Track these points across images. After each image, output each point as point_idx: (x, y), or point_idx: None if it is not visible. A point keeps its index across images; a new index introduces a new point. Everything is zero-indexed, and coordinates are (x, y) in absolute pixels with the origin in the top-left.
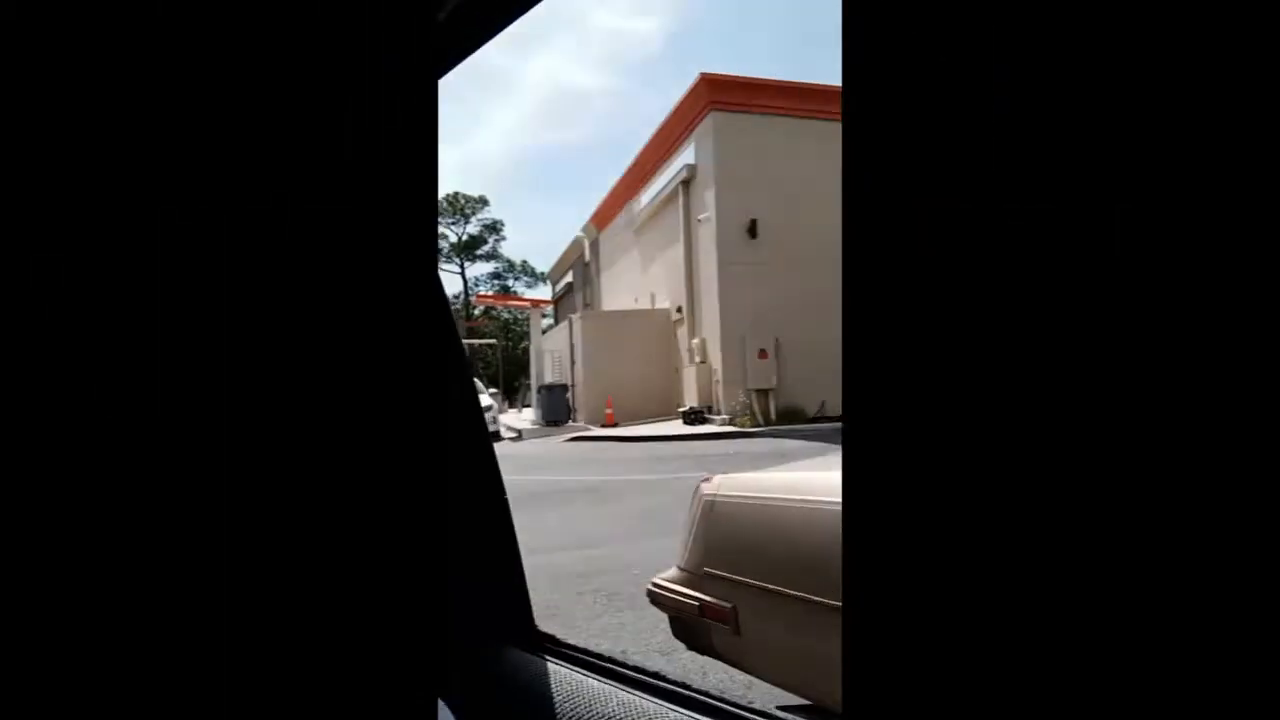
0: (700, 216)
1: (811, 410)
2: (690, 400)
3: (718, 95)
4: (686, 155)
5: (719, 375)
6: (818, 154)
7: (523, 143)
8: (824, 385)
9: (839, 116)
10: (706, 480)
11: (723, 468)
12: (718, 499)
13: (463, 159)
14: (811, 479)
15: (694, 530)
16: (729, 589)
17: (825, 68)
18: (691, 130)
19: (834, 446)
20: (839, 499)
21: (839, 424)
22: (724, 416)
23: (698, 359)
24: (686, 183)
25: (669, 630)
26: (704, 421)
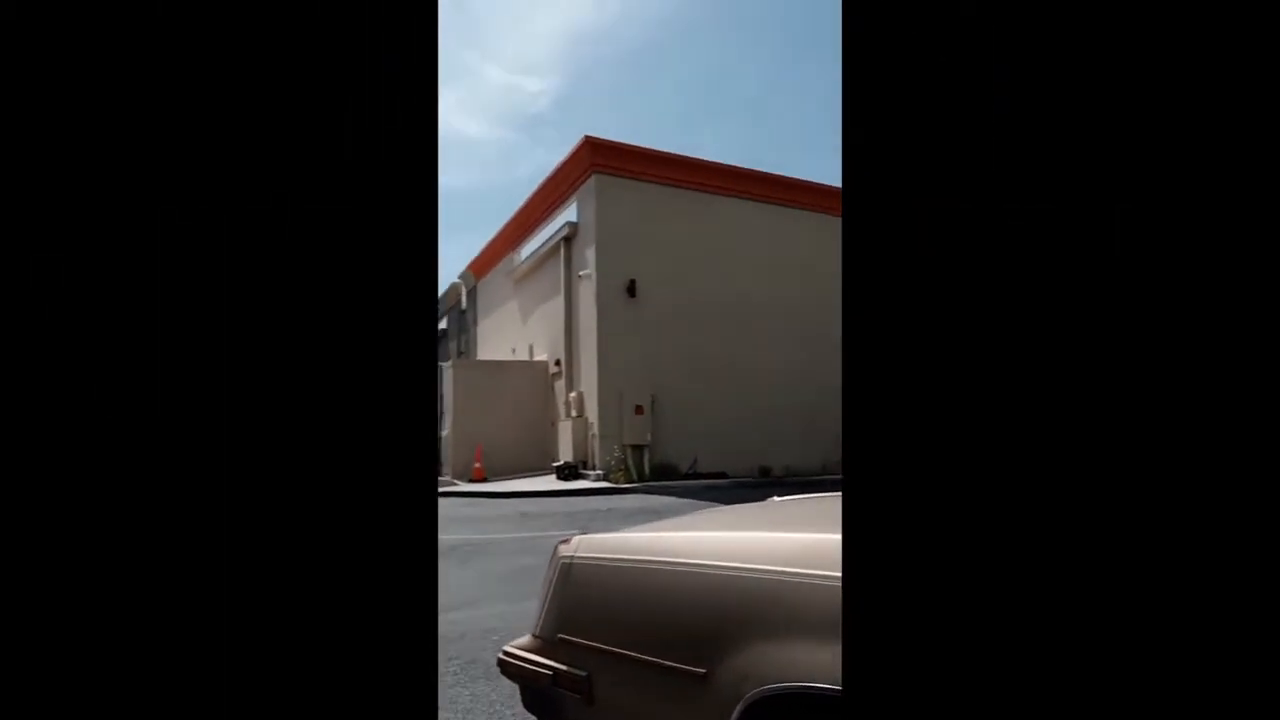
0: (581, 273)
1: (684, 467)
2: (565, 454)
3: (600, 158)
4: (569, 213)
5: (595, 430)
6: (695, 222)
7: None
8: (697, 442)
9: (715, 189)
10: (564, 542)
11: (594, 525)
12: (575, 561)
13: None
14: (672, 539)
15: (550, 594)
16: (584, 656)
17: (705, 145)
18: (575, 189)
19: (704, 504)
20: (699, 560)
21: (712, 480)
22: (598, 472)
23: (574, 413)
24: (568, 239)
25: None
26: (578, 477)
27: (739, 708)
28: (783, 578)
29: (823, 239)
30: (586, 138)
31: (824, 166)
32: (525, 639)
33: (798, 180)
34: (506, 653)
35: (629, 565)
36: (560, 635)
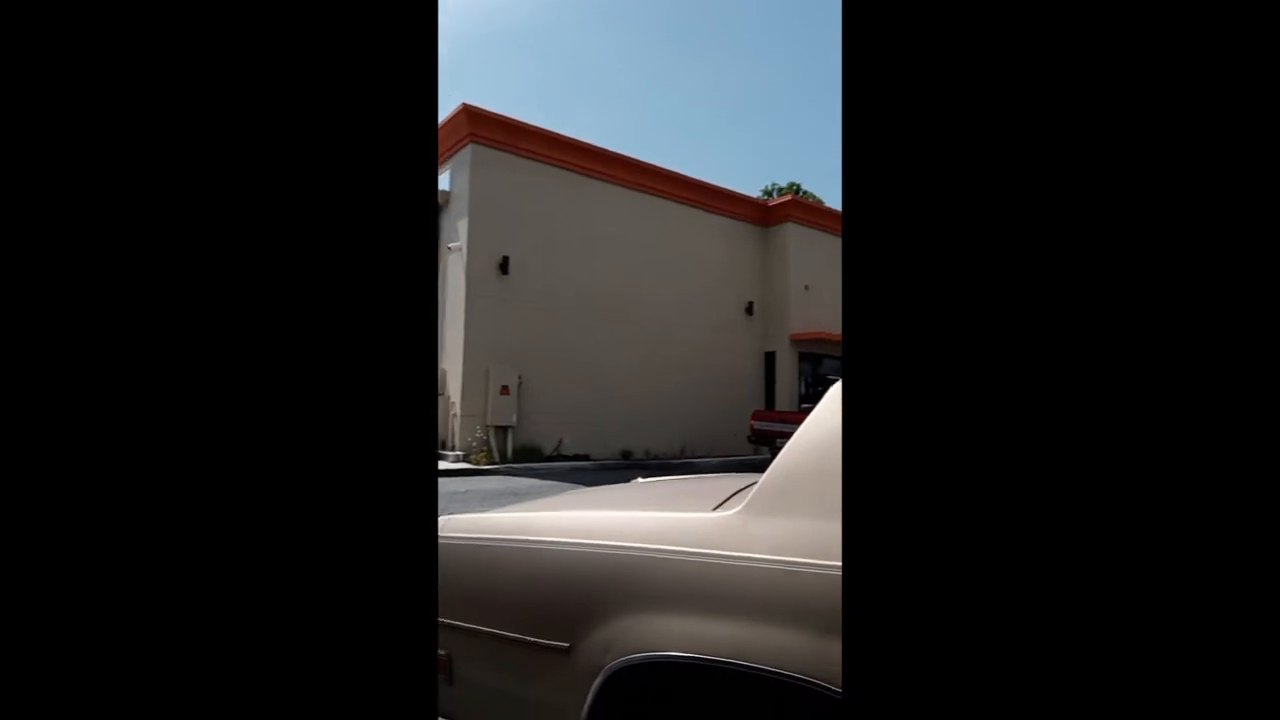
0: (451, 245)
1: (549, 449)
2: None
3: (478, 128)
4: (441, 181)
5: (457, 409)
6: (572, 205)
7: None
8: (563, 425)
9: (595, 174)
10: None
11: (453, 507)
12: (441, 541)
13: None
14: (539, 519)
15: None
16: (444, 636)
17: (582, 122)
18: (448, 157)
19: (568, 485)
20: (566, 538)
21: (576, 463)
22: (459, 452)
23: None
24: (439, 208)
25: None
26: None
27: (600, 678)
28: (647, 554)
29: (696, 233)
30: (464, 105)
31: (694, 163)
32: None
33: (677, 174)
34: None
35: (496, 544)
36: None
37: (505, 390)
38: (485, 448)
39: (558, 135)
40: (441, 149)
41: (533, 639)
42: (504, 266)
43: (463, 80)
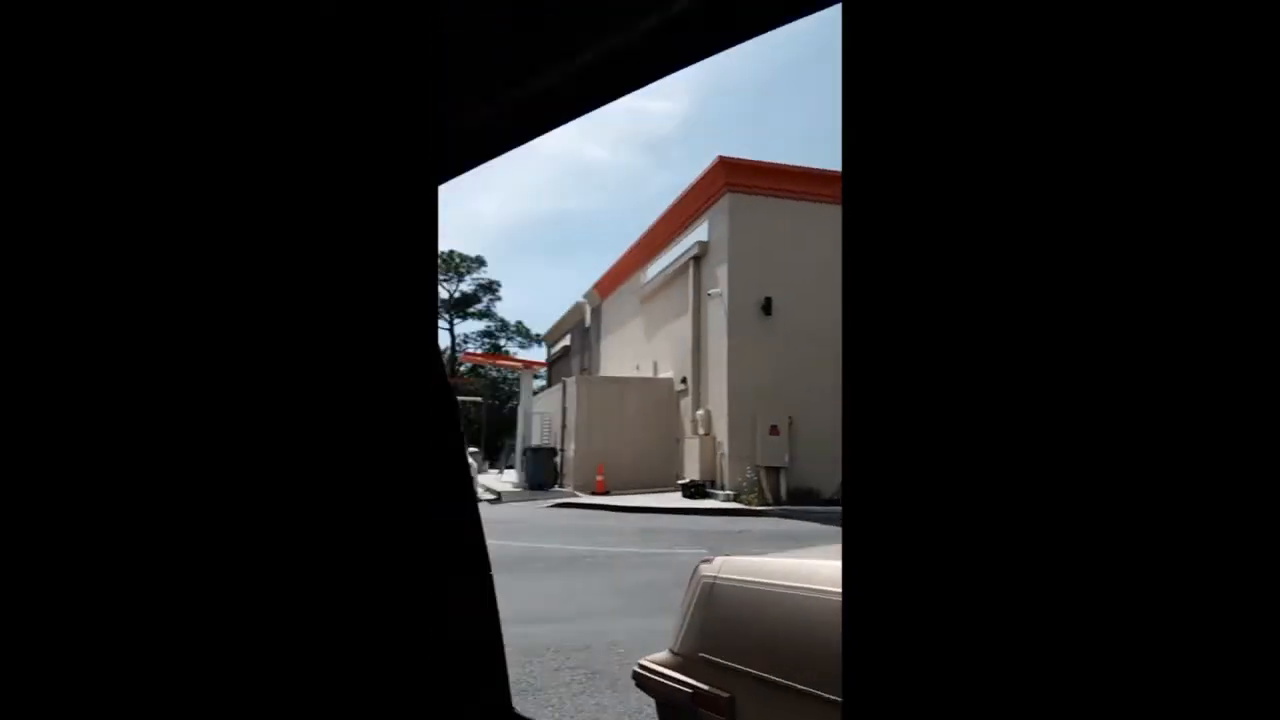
0: (711, 291)
1: (828, 492)
2: (691, 473)
3: (734, 177)
4: (699, 233)
5: (725, 449)
6: (831, 236)
7: (529, 207)
8: (838, 466)
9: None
10: (706, 561)
11: (726, 547)
12: (718, 581)
13: (465, 219)
14: (818, 566)
15: (690, 613)
16: (726, 677)
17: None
18: (706, 209)
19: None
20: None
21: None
22: (728, 492)
23: (701, 431)
24: (698, 258)
25: (654, 715)
26: (705, 495)
27: None
28: None
29: None
30: (720, 157)
31: None
32: (663, 655)
33: None
34: (644, 667)
35: (776, 590)
36: (701, 654)
37: (775, 430)
38: (755, 488)
39: (815, 170)
40: (697, 202)
41: (818, 692)
42: (766, 308)
43: (710, 129)
